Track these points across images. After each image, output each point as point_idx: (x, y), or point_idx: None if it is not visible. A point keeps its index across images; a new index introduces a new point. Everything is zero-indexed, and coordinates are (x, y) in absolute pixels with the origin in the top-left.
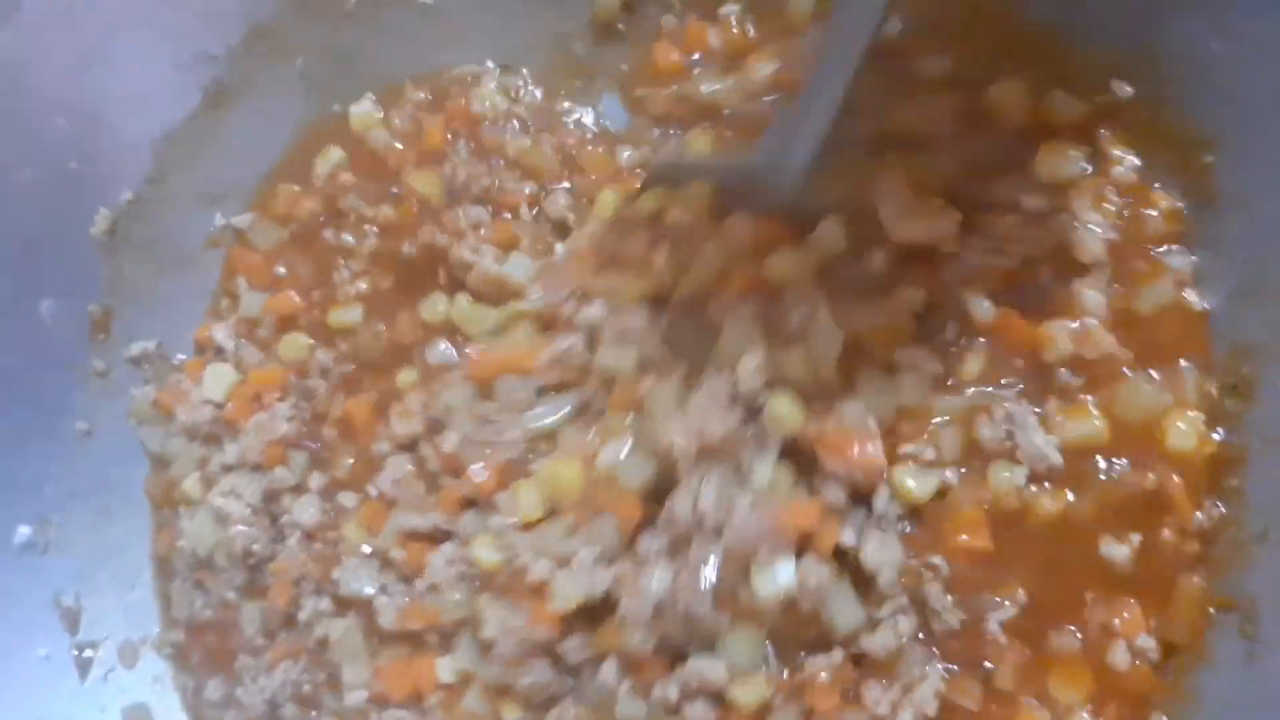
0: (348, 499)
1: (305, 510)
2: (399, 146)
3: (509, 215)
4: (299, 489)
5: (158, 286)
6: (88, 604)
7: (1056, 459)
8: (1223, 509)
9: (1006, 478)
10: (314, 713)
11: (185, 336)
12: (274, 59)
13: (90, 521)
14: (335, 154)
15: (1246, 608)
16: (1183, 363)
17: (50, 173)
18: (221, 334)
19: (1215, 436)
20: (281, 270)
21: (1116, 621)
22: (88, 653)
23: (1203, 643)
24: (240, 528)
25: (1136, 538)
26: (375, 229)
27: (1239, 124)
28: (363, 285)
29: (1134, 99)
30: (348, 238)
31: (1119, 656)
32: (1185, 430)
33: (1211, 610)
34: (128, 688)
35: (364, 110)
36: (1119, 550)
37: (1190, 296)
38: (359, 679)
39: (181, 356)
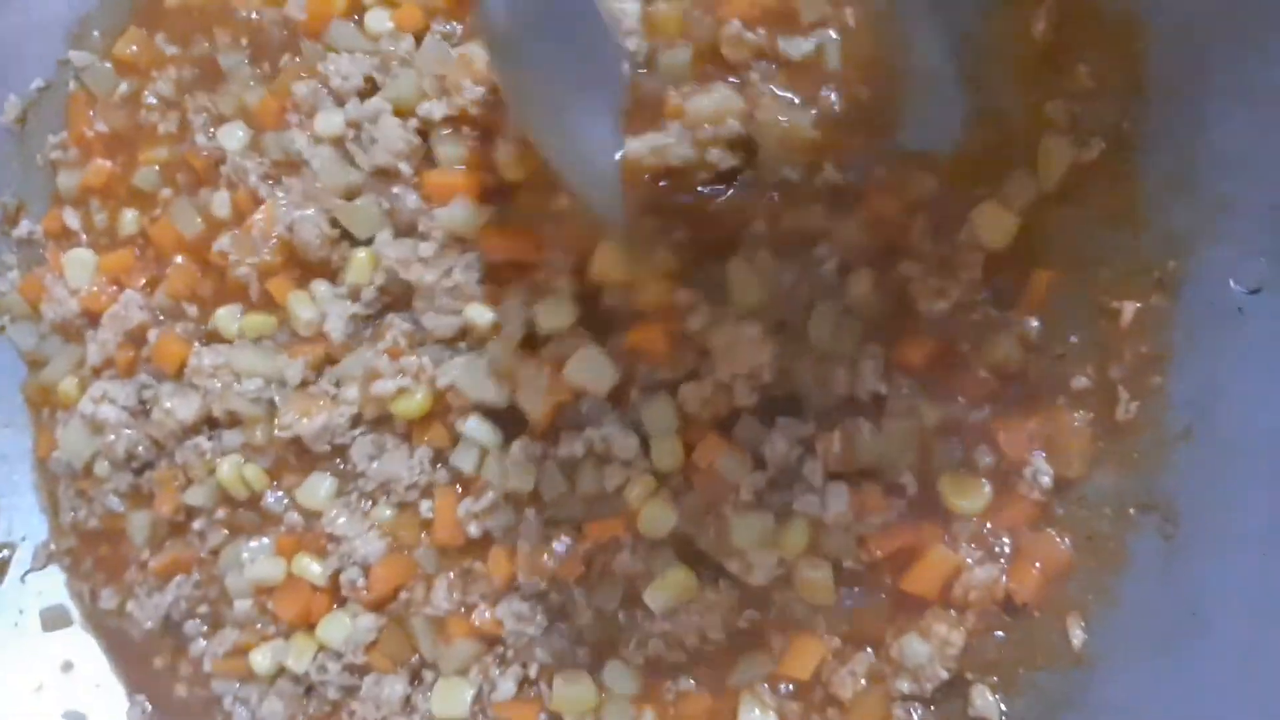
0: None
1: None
2: None
3: None
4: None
5: None
6: (3, 504)
7: None
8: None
9: None
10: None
11: None
12: None
13: (3, 420)
14: None
15: (1166, 508)
16: None
17: None
18: (70, 217)
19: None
20: (96, 130)
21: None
22: (4, 553)
23: (1122, 544)
24: (124, 432)
25: None
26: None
27: (1171, 9)
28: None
29: None
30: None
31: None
32: None
33: (1131, 511)
34: (45, 590)
35: None
36: None
37: None
38: (241, 587)
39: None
